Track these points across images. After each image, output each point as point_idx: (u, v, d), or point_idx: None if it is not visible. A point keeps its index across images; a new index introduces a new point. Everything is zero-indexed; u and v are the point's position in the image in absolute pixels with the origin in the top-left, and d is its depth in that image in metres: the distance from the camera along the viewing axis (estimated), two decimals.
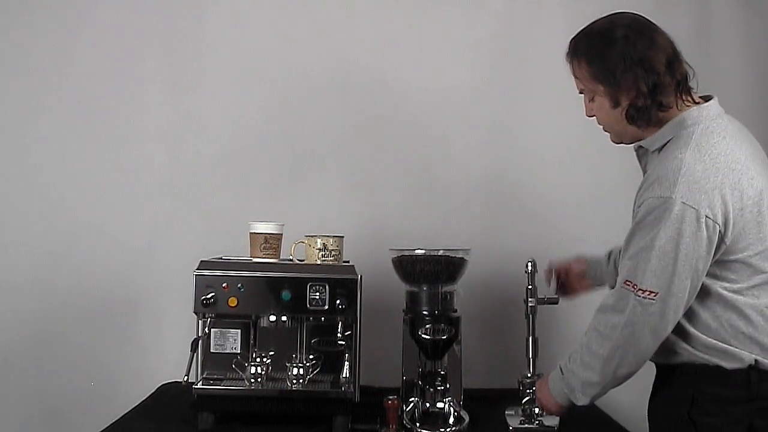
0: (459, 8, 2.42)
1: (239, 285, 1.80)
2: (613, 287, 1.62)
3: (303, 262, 1.94)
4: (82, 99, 2.37)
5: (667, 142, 1.45)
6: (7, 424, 2.27)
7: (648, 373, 1.58)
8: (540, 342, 1.89)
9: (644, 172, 1.55)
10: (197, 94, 2.39)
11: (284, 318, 1.83)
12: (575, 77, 1.54)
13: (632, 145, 1.56)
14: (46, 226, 2.33)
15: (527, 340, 1.88)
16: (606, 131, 1.57)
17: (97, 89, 2.37)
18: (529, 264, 1.90)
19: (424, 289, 1.89)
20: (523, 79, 2.42)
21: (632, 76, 1.43)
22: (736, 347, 1.42)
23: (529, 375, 1.86)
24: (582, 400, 1.52)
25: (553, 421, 1.85)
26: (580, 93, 1.57)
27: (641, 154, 1.56)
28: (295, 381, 1.87)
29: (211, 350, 1.94)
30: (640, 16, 1.50)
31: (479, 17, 2.42)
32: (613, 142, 1.58)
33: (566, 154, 2.40)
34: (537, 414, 1.85)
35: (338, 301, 1.80)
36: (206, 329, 1.84)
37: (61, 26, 2.38)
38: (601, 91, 1.48)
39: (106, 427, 1.78)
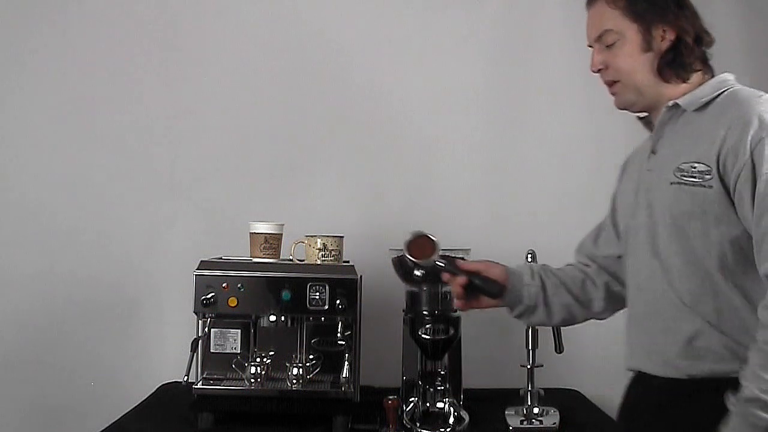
0: (459, 8, 2.42)
1: (239, 285, 1.80)
2: (530, 308, 1.53)
3: (303, 262, 1.94)
4: (81, 99, 2.37)
5: (715, 97, 1.35)
6: (7, 424, 2.27)
7: None
8: (539, 336, 1.89)
9: (654, 143, 1.42)
10: (197, 94, 2.39)
11: (284, 318, 1.83)
12: (597, 20, 1.42)
13: (665, 106, 1.39)
14: (46, 225, 2.33)
15: (526, 332, 1.88)
16: (614, 92, 1.43)
17: (96, 89, 2.37)
18: (529, 255, 1.90)
19: (424, 289, 1.89)
20: (523, 79, 2.42)
21: (681, 13, 1.39)
22: None
23: None
24: None
25: (553, 420, 1.86)
26: (592, 44, 1.44)
27: (667, 118, 1.40)
28: (295, 381, 1.87)
29: (211, 350, 1.95)
30: None
31: (479, 17, 2.42)
32: (620, 105, 1.44)
33: (566, 153, 2.41)
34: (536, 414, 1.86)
35: (338, 301, 1.80)
36: (206, 329, 1.85)
37: (60, 25, 2.38)
38: (633, 32, 1.39)
39: (106, 427, 1.79)
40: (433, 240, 1.54)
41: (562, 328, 1.89)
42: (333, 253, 1.95)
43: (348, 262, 2.00)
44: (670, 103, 1.39)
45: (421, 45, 2.42)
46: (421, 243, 1.54)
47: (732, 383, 1.21)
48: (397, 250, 1.92)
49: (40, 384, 2.29)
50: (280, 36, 2.41)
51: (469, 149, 2.41)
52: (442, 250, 1.86)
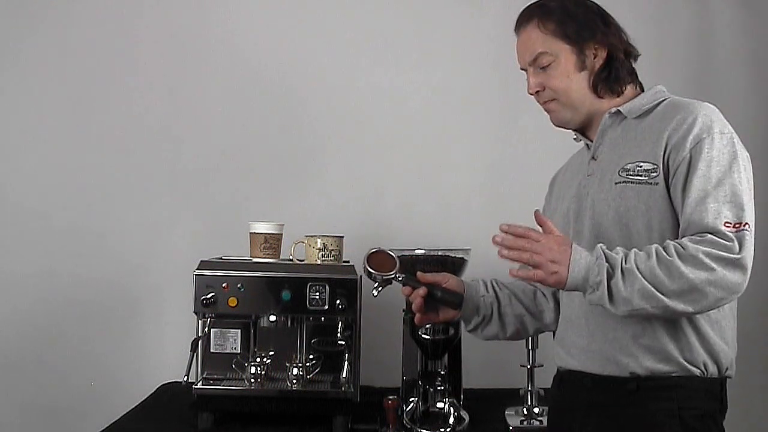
0: (460, 8, 2.42)
1: (239, 285, 1.80)
2: (486, 319, 1.56)
3: (303, 262, 1.94)
4: (81, 99, 2.37)
5: (655, 105, 1.42)
6: (7, 424, 2.27)
7: None
8: (539, 336, 1.88)
9: (594, 149, 1.46)
10: (197, 94, 2.39)
11: (284, 318, 1.83)
12: (529, 43, 1.45)
13: (608, 112, 1.44)
14: (46, 226, 2.33)
15: None
16: (550, 110, 1.47)
17: (96, 89, 2.37)
18: None
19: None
20: (524, 79, 2.41)
21: (609, 31, 1.44)
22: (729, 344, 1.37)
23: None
24: (616, 308, 1.27)
25: None
26: (526, 67, 1.48)
27: (608, 125, 1.45)
28: (295, 381, 1.87)
29: (211, 350, 1.95)
30: None
31: (479, 18, 2.42)
32: (557, 122, 1.49)
33: (566, 153, 2.40)
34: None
35: (338, 301, 1.80)
36: (206, 329, 1.84)
37: (60, 24, 2.38)
38: (567, 52, 1.42)
39: (106, 427, 1.78)
40: (392, 256, 1.56)
41: None
42: (333, 253, 1.95)
43: (348, 262, 2.00)
44: (613, 109, 1.45)
45: (422, 45, 2.42)
46: (380, 258, 1.56)
47: (673, 381, 1.31)
48: (397, 249, 1.92)
49: (40, 384, 2.29)
50: (281, 36, 2.41)
51: (469, 149, 2.41)
52: (443, 250, 1.88)
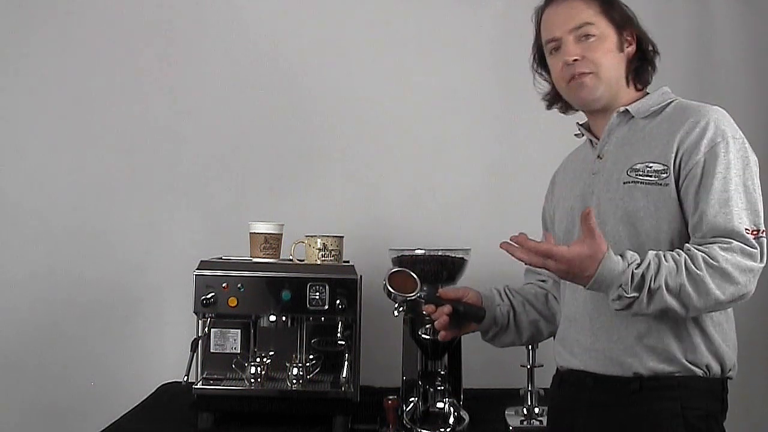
0: (460, 8, 2.42)
1: (239, 285, 1.80)
2: (503, 329, 1.56)
3: (303, 262, 1.94)
4: (81, 99, 2.37)
5: (664, 107, 1.42)
6: (7, 424, 2.27)
7: None
8: None
9: (600, 148, 1.46)
10: (198, 94, 2.39)
11: (284, 318, 1.83)
12: (574, 12, 1.43)
13: (616, 111, 1.44)
14: (46, 226, 2.33)
15: None
16: (585, 82, 1.43)
17: (96, 89, 2.37)
18: None
19: (425, 289, 1.89)
20: (523, 79, 2.41)
21: (639, 24, 1.47)
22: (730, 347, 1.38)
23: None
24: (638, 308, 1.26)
25: None
26: (564, 35, 1.44)
27: (616, 124, 1.45)
28: (295, 381, 1.87)
29: (211, 350, 1.95)
30: None
31: (480, 18, 2.42)
32: (587, 97, 1.44)
33: (566, 153, 2.40)
34: None
35: (338, 301, 1.80)
36: (206, 329, 1.84)
37: (59, 23, 2.38)
38: (611, 31, 1.43)
39: (106, 427, 1.78)
40: (413, 276, 1.56)
41: None
42: (333, 253, 1.95)
43: (348, 262, 2.00)
44: (621, 109, 1.44)
45: (422, 45, 2.42)
46: (401, 278, 1.56)
47: (676, 381, 1.31)
48: (397, 249, 1.92)
49: (40, 384, 2.29)
50: (281, 36, 2.41)
51: (469, 149, 2.40)
52: (443, 250, 1.88)
